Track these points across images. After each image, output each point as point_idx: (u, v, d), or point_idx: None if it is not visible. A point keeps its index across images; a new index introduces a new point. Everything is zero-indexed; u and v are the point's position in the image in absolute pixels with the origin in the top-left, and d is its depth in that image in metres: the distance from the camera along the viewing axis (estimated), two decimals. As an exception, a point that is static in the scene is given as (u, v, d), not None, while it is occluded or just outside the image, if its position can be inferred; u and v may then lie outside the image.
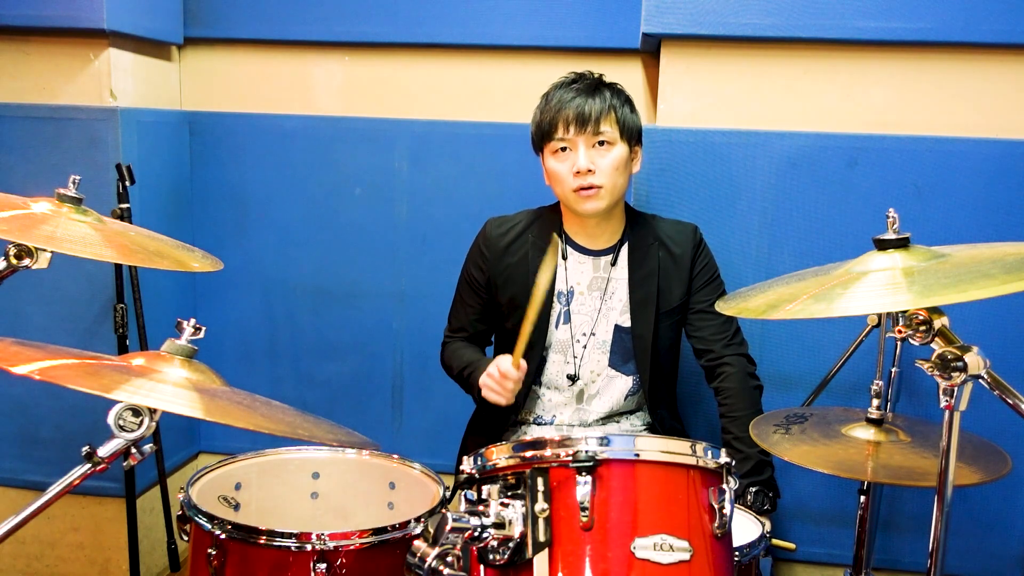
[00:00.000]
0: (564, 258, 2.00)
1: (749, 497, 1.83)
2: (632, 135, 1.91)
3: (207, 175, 2.69)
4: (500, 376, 1.82)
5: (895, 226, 1.35)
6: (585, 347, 2.01)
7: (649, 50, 2.42)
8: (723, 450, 1.29)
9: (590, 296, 2.00)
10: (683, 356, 2.13)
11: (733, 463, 1.30)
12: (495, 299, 2.05)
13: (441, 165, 2.58)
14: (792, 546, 1.82)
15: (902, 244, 1.33)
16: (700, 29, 2.20)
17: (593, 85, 1.91)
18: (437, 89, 2.59)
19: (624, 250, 2.01)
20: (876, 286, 1.26)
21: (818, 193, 2.25)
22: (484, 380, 1.87)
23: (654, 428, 2.08)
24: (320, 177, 2.64)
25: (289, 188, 2.66)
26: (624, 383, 2.03)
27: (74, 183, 1.55)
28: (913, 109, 2.21)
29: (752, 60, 2.24)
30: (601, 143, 1.87)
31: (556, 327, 2.01)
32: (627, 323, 2.00)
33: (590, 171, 1.85)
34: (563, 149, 1.89)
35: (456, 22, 2.51)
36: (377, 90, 2.62)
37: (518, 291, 1.99)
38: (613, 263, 2.00)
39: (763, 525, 1.70)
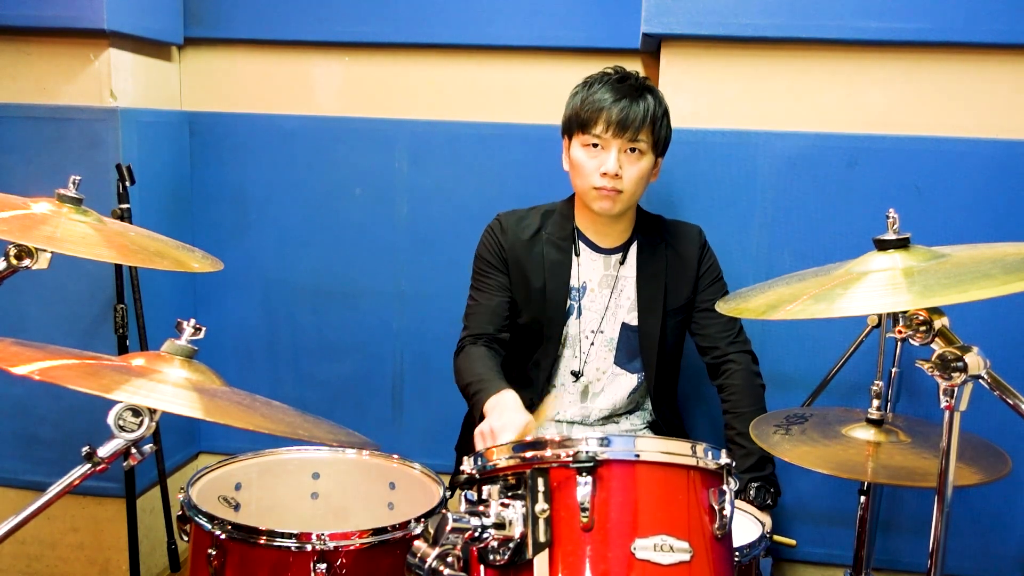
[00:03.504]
0: (577, 254, 2.01)
1: (751, 492, 1.83)
2: (661, 148, 1.91)
3: (207, 175, 2.69)
4: (491, 436, 1.66)
5: (895, 226, 1.35)
6: (592, 344, 2.01)
7: (649, 50, 2.41)
8: (723, 451, 1.29)
9: (600, 293, 2.01)
10: (685, 354, 2.13)
11: (733, 464, 1.30)
12: None
13: (441, 165, 2.58)
14: (792, 542, 1.83)
15: (902, 244, 1.33)
16: (700, 29, 2.20)
17: (638, 89, 1.88)
18: (437, 89, 2.59)
19: (633, 249, 2.02)
20: (876, 286, 1.26)
21: (818, 193, 2.25)
22: (481, 428, 1.70)
23: (657, 425, 2.08)
24: (320, 177, 2.64)
25: (289, 188, 2.66)
26: (628, 381, 2.03)
27: (74, 183, 1.55)
28: (913, 109, 2.21)
29: (752, 60, 2.24)
30: (633, 150, 1.87)
31: (568, 322, 2.01)
32: (634, 321, 2.01)
33: (617, 176, 1.85)
34: (595, 145, 1.88)
35: (456, 22, 2.50)
36: (377, 90, 2.61)
37: (534, 285, 1.99)
38: (622, 261, 2.00)
39: (763, 525, 1.70)
